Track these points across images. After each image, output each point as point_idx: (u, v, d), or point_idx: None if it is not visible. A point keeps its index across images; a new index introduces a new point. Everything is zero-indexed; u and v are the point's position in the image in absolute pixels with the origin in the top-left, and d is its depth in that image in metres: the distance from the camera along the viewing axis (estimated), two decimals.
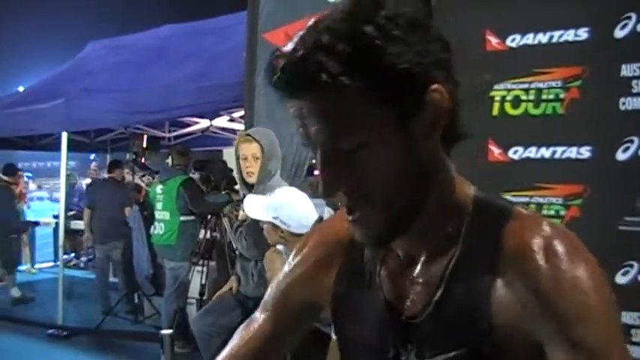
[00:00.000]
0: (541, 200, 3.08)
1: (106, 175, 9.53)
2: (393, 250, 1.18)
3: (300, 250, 1.35)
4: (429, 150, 1.03)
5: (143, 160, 8.60)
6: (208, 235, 7.19)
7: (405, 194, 1.03)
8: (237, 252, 4.47)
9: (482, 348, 1.01)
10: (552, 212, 3.05)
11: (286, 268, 1.36)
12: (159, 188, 7.35)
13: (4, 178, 10.08)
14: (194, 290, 7.07)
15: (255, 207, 3.47)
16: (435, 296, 1.08)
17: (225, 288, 4.62)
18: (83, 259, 13.47)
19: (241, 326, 1.39)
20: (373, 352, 1.17)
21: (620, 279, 2.90)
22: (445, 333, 1.06)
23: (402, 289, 1.15)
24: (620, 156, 2.95)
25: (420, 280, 1.12)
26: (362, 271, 1.22)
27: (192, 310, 6.99)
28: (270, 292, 1.37)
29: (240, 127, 8.35)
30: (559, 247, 0.98)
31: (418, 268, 1.13)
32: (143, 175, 8.88)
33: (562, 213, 3.02)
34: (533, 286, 0.97)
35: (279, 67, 0.98)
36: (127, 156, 8.87)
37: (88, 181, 12.45)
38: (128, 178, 9.05)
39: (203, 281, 6.95)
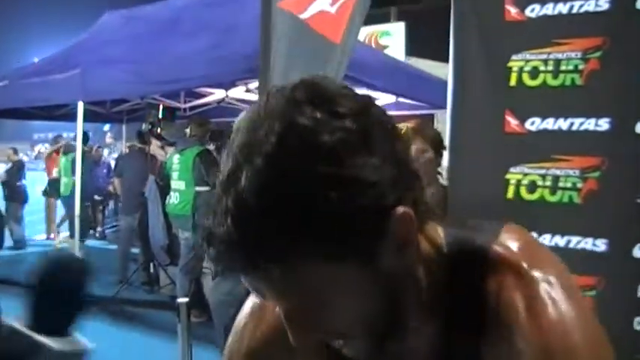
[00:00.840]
0: (558, 172, 3.05)
1: (136, 146, 9.59)
2: None
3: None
4: (405, 267, 0.92)
5: (159, 131, 8.61)
6: None
7: (386, 317, 0.93)
8: None
9: None
10: (569, 185, 3.02)
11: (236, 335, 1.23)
12: (175, 158, 7.40)
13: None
14: (209, 260, 7.08)
15: None
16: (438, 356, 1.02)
17: None
18: (99, 229, 13.59)
19: None
20: None
21: (638, 252, 2.88)
22: None
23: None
24: None
25: (411, 348, 1.03)
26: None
27: (207, 280, 7.02)
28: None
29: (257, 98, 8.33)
30: (540, 306, 0.90)
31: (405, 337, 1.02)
32: (162, 147, 8.91)
33: (579, 186, 2.99)
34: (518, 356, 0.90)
35: (212, 249, 0.85)
36: (143, 126, 8.86)
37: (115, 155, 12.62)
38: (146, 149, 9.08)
39: None
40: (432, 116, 8.60)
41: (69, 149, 10.87)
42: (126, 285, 8.52)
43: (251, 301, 1.22)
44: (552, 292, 0.91)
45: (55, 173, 12.37)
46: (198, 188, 7.20)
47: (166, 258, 8.87)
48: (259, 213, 0.80)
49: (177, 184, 7.30)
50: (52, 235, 13.37)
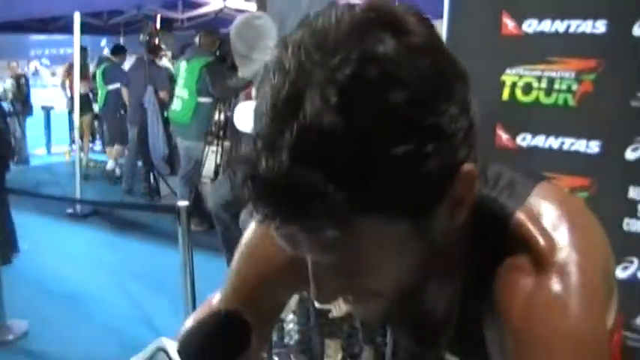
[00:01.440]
0: (553, 75, 3.08)
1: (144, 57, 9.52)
2: None
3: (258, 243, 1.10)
4: (447, 234, 0.84)
5: (157, 42, 8.57)
6: (222, 117, 7.23)
7: (415, 279, 0.87)
8: None
9: None
10: (564, 87, 3.05)
11: (247, 254, 1.12)
12: (182, 66, 7.35)
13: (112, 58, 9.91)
14: (209, 171, 7.21)
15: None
16: (450, 321, 0.97)
17: None
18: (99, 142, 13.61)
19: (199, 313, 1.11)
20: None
21: (630, 155, 2.93)
22: (462, 347, 1.00)
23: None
24: (637, 31, 2.93)
25: (429, 305, 1.00)
26: None
27: (206, 190, 7.11)
28: (234, 283, 1.12)
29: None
30: (538, 300, 0.81)
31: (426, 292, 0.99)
32: (160, 58, 8.87)
33: (574, 88, 3.03)
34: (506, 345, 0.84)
35: (256, 188, 0.73)
36: (141, 37, 8.81)
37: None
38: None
39: (218, 161, 7.08)
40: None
41: (102, 62, 10.72)
42: (127, 195, 8.62)
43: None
44: (560, 285, 0.81)
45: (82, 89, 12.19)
46: (200, 99, 7.20)
47: (166, 168, 8.98)
48: (323, 153, 0.68)
49: (181, 91, 7.29)
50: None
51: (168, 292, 4.76)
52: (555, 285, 0.81)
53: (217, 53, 7.15)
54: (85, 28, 8.53)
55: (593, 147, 2.99)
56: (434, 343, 1.03)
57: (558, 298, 0.81)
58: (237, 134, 6.97)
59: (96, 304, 5.33)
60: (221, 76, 6.87)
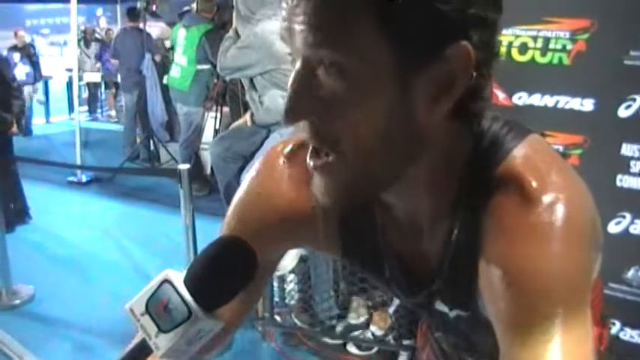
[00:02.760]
0: (548, 34, 3.11)
1: (128, 25, 9.47)
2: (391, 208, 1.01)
3: (265, 172, 1.10)
4: (428, 118, 0.83)
5: (154, 8, 8.53)
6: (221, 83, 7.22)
7: (382, 157, 0.84)
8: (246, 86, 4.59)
9: (479, 317, 0.96)
10: (559, 46, 3.08)
11: (250, 188, 1.11)
12: (181, 32, 7.32)
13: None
14: (208, 136, 7.23)
15: None
16: (443, 262, 0.98)
17: (241, 121, 4.75)
18: (99, 110, 13.60)
19: None
20: (403, 291, 1.10)
21: (623, 113, 2.98)
22: (453, 294, 1.01)
23: (408, 247, 1.03)
24: None
25: (425, 245, 1.01)
26: (369, 222, 1.06)
27: (206, 156, 7.14)
28: (235, 217, 1.12)
29: None
30: (525, 235, 0.82)
31: (423, 230, 1.00)
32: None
33: (568, 47, 3.06)
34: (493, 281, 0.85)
35: None
36: (138, 4, 8.76)
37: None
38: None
39: (217, 126, 7.10)
40: None
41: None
42: (128, 162, 8.63)
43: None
44: (547, 221, 0.82)
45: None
46: (199, 66, 7.21)
47: (166, 134, 9.01)
48: None
49: (180, 58, 7.30)
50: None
51: (171, 255, 4.85)
52: (540, 221, 0.82)
53: (216, 20, 7.12)
54: None
55: (587, 105, 3.04)
56: (426, 287, 1.03)
57: (543, 233, 0.81)
58: (236, 98, 7.01)
59: (100, 268, 5.40)
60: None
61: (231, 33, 4.34)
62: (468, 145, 0.92)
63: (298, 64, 0.82)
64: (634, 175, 2.99)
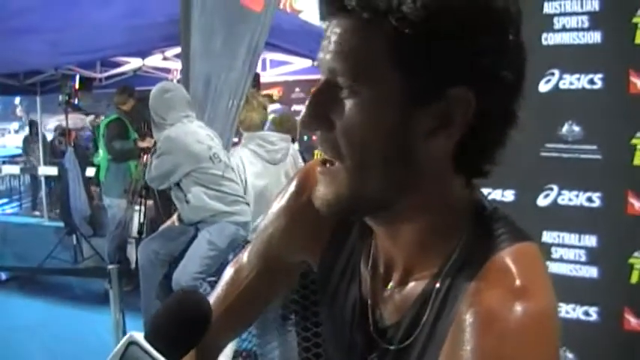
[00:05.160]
0: None
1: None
2: (378, 250, 1.06)
3: (290, 194, 1.20)
4: (425, 149, 0.88)
5: (76, 102, 8.49)
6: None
7: (378, 174, 0.90)
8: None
9: None
10: None
11: (275, 209, 1.22)
12: (103, 123, 7.46)
13: None
14: (133, 229, 7.15)
15: None
16: (419, 321, 0.95)
17: (169, 222, 4.75)
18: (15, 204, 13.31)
19: (230, 270, 1.30)
20: (341, 346, 1.11)
21: (543, 87, 3.07)
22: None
23: (377, 294, 1.04)
24: (543, 88, 3.07)
25: (397, 295, 1.01)
26: (350, 251, 1.11)
27: (131, 250, 7.02)
28: (257, 238, 1.27)
29: (175, 65, 8.31)
30: (499, 329, 0.81)
31: (396, 277, 1.02)
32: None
33: None
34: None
35: None
36: (60, 98, 8.69)
37: None
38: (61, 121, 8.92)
39: (141, 220, 7.00)
40: None
41: None
42: (49, 258, 8.39)
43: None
44: (522, 323, 0.81)
45: None
46: (109, 156, 7.30)
47: (89, 229, 8.82)
48: None
49: (100, 151, 7.43)
50: None
51: (98, 354, 4.65)
52: (521, 320, 0.80)
53: (133, 114, 7.19)
54: (0, 89, 8.36)
55: (508, 195, 3.13)
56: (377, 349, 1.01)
57: (517, 335, 0.80)
58: (159, 191, 6.98)
59: None
60: (114, 137, 7.05)
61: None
62: (462, 205, 0.96)
63: (321, 82, 0.92)
64: (555, 260, 3.06)
